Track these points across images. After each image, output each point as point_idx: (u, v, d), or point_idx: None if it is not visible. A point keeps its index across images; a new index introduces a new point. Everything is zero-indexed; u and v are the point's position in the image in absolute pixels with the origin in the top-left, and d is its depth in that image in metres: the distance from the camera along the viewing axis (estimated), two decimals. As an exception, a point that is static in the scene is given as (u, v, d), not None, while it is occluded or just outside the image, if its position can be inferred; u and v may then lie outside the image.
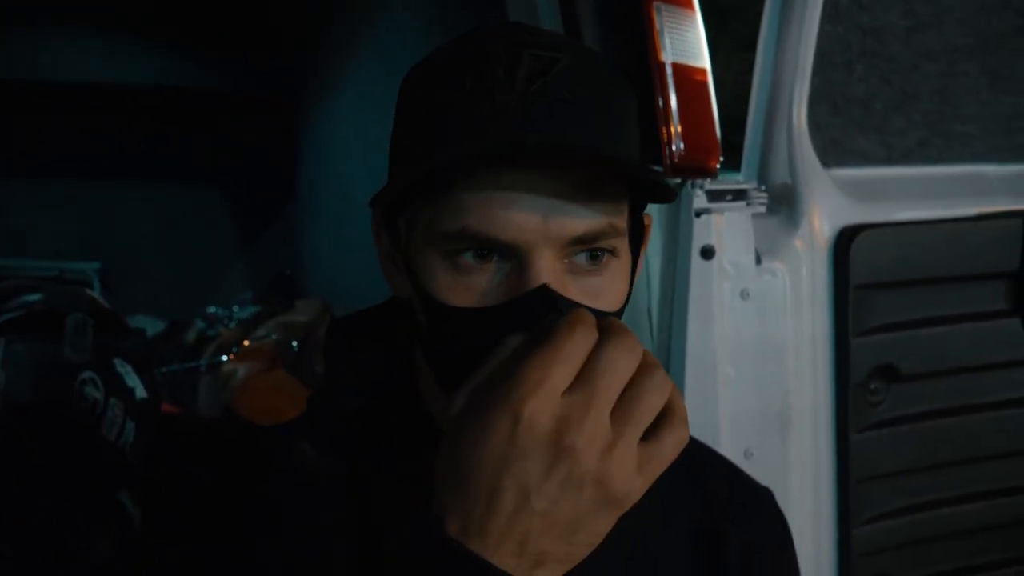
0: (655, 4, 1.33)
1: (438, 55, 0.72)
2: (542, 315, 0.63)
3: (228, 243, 4.35)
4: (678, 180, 1.38)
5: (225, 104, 4.09)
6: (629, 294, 0.72)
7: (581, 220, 0.65)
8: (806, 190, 1.45)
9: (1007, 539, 1.57)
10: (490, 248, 0.65)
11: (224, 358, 2.22)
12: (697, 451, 0.86)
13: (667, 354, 1.36)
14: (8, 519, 1.64)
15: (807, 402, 1.42)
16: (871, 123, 1.55)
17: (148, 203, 4.19)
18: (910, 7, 1.54)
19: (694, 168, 1.35)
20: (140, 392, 1.75)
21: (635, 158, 0.69)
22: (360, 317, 0.82)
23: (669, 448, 0.59)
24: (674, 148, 1.33)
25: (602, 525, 0.58)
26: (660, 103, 1.33)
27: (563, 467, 0.55)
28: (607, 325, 0.59)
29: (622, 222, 0.68)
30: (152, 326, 3.26)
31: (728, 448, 1.35)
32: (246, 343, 2.26)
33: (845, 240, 1.44)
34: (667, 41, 1.33)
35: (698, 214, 1.35)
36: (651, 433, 0.58)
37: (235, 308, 3.21)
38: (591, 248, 0.66)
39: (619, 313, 0.69)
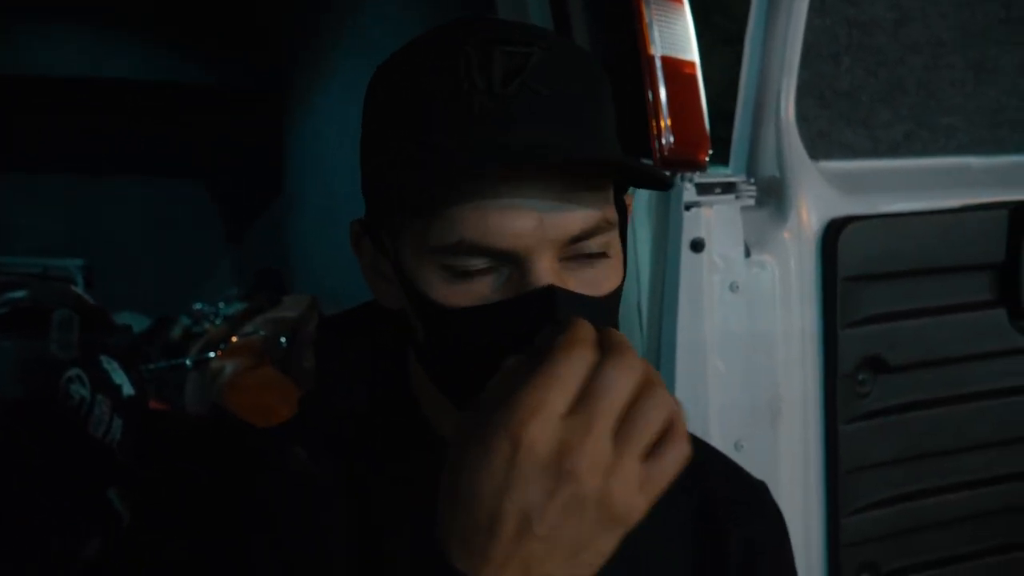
0: (644, -3, 1.33)
1: (408, 57, 0.70)
2: (547, 312, 0.64)
3: (214, 239, 4.33)
4: (667, 173, 1.38)
5: (211, 99, 4.07)
6: (624, 269, 0.72)
7: (576, 219, 0.65)
8: (794, 183, 1.46)
9: (993, 527, 1.58)
10: (488, 257, 0.65)
11: (212, 355, 2.21)
12: (695, 450, 0.86)
13: (657, 347, 1.37)
14: (-5, 518, 1.63)
15: (796, 394, 1.43)
16: (858, 116, 1.56)
17: (134, 199, 4.16)
18: (896, 0, 1.55)
19: (684, 161, 1.35)
20: (127, 389, 1.74)
21: (616, 144, 0.69)
22: (350, 315, 0.81)
23: (671, 465, 0.58)
24: (664, 141, 1.34)
25: (606, 545, 0.57)
26: (650, 96, 1.33)
27: (564, 491, 0.55)
28: (608, 342, 0.59)
29: (612, 212, 0.68)
30: (138, 323, 3.23)
31: (718, 440, 1.35)
32: (234, 339, 2.25)
33: (833, 232, 1.45)
34: (656, 34, 1.33)
35: (688, 207, 1.35)
36: (652, 450, 0.58)
37: (221, 304, 3.19)
38: (584, 250, 0.67)
39: (618, 292, 0.70)
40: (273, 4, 3.80)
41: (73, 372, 1.68)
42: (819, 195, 1.47)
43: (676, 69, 1.36)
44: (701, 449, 0.86)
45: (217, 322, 2.88)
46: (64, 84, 3.79)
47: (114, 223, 4.07)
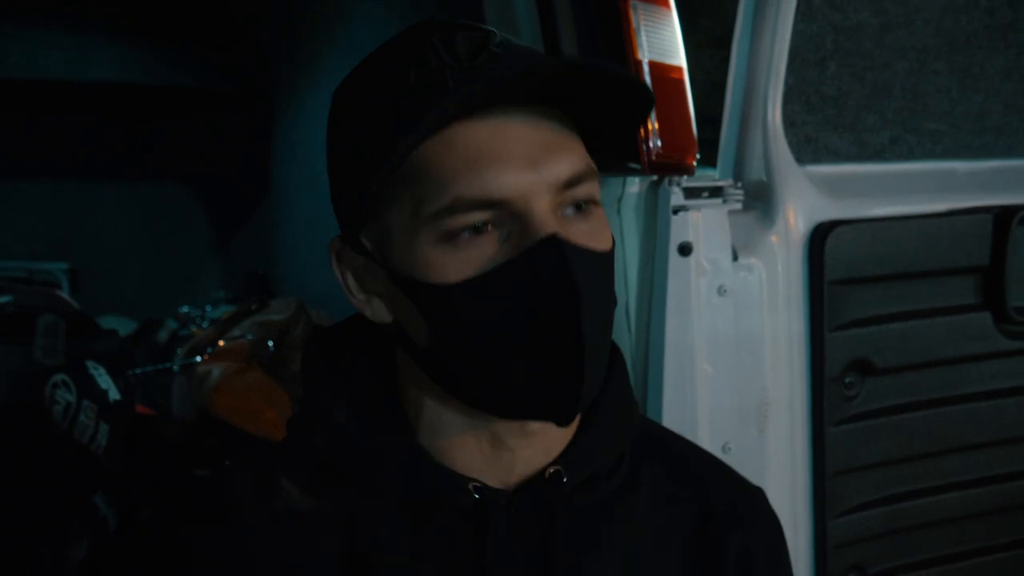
0: (632, 2, 1.34)
1: (372, 62, 0.71)
2: (560, 263, 0.63)
3: (200, 242, 4.30)
4: (654, 177, 1.39)
5: (197, 101, 4.05)
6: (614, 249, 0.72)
7: (566, 161, 0.66)
8: (781, 187, 1.46)
9: (980, 528, 1.59)
10: (486, 211, 0.64)
11: (198, 358, 2.20)
12: (685, 450, 0.86)
13: (645, 350, 1.37)
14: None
15: (783, 396, 1.44)
16: (844, 120, 1.57)
17: (119, 202, 4.14)
18: (881, 6, 1.56)
19: (671, 165, 1.36)
20: (113, 394, 1.73)
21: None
22: (337, 332, 0.79)
23: None
24: (651, 146, 1.34)
25: None
26: (637, 101, 1.34)
27: None
28: None
29: (593, 163, 0.69)
30: (123, 326, 3.21)
31: (706, 443, 1.36)
32: (221, 343, 2.24)
33: (820, 236, 1.45)
34: (644, 39, 1.34)
35: (675, 211, 1.35)
36: None
37: (208, 308, 3.18)
38: (577, 197, 0.67)
39: (612, 253, 0.70)
40: (259, 6, 3.79)
41: (59, 378, 1.67)
42: (806, 199, 1.48)
43: (663, 74, 1.37)
44: (698, 457, 0.86)
45: (204, 325, 2.87)
46: (48, 86, 3.77)
47: (99, 226, 4.05)
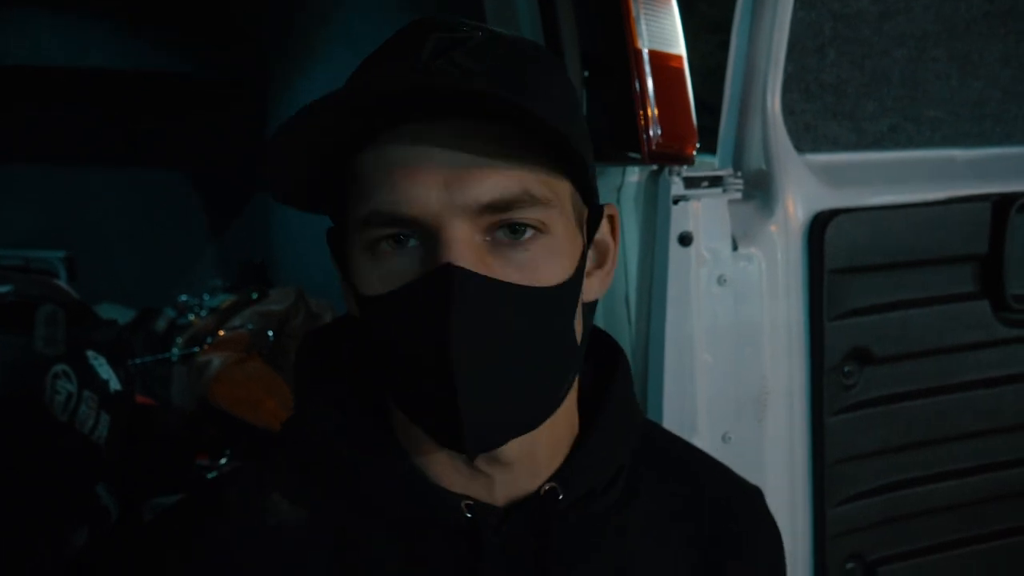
0: (631, -9, 1.33)
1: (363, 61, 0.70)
2: (442, 295, 0.60)
3: (197, 230, 4.29)
4: (654, 167, 1.38)
5: (193, 89, 4.03)
6: (575, 278, 0.67)
7: (488, 183, 0.62)
8: (781, 176, 1.46)
9: (978, 516, 1.60)
10: (399, 227, 0.63)
11: (198, 348, 2.20)
12: (688, 460, 0.84)
13: (645, 341, 1.37)
14: (-20, 514, 1.62)
15: (783, 386, 1.44)
16: (843, 108, 1.57)
17: (115, 190, 4.12)
18: (881, -8, 1.56)
19: (671, 155, 1.35)
20: (114, 384, 1.73)
21: (564, 136, 0.63)
22: (327, 335, 0.77)
23: None
24: (651, 135, 1.34)
25: None
26: (637, 90, 1.34)
27: None
28: None
29: (543, 191, 0.64)
30: (120, 315, 3.21)
31: (706, 432, 1.36)
32: (221, 333, 2.24)
33: (819, 225, 1.45)
34: (643, 28, 1.33)
35: (675, 201, 1.35)
36: None
37: (206, 296, 3.17)
38: (509, 220, 0.63)
39: (564, 288, 0.66)
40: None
41: (59, 368, 1.67)
42: (805, 188, 1.48)
43: (663, 63, 1.36)
44: (697, 462, 0.85)
45: (202, 314, 2.87)
46: (46, 73, 3.75)
47: (95, 214, 4.03)
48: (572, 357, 0.70)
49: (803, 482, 1.46)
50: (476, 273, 0.62)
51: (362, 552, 0.70)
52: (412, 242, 0.63)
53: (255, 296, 2.42)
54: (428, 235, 0.63)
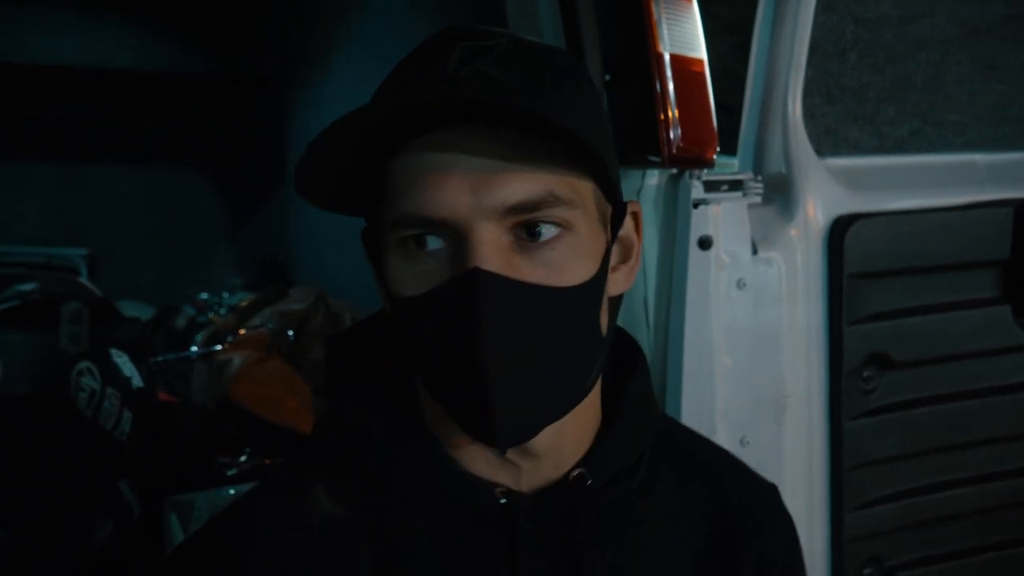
0: (653, -5, 1.33)
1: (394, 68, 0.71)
2: (470, 299, 0.62)
3: (216, 228, 4.32)
4: (674, 170, 1.39)
5: (212, 87, 4.06)
6: (600, 275, 0.68)
7: (515, 185, 0.64)
8: (801, 179, 1.46)
9: (997, 522, 1.60)
10: (427, 229, 0.64)
11: (219, 346, 2.21)
12: (705, 453, 0.86)
13: (664, 343, 1.38)
14: (6, 509, 1.65)
15: (801, 390, 1.44)
16: (864, 112, 1.56)
17: (134, 188, 4.16)
18: (902, -3, 1.55)
19: (692, 159, 1.36)
20: (137, 381, 1.75)
21: (590, 148, 0.65)
22: (358, 333, 0.80)
23: None
24: (671, 138, 1.34)
25: None
26: (658, 93, 1.34)
27: None
28: None
29: (567, 191, 0.66)
30: (139, 312, 3.24)
31: (724, 436, 1.37)
32: (242, 332, 2.26)
33: (839, 229, 1.45)
34: (665, 32, 1.34)
35: (695, 205, 1.36)
36: None
37: (225, 294, 3.20)
38: (534, 220, 0.65)
39: (589, 286, 0.67)
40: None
41: (83, 365, 1.69)
42: (825, 192, 1.47)
43: (685, 67, 1.36)
44: (714, 455, 0.86)
45: (222, 312, 2.89)
46: (67, 73, 3.78)
47: (114, 212, 4.07)
48: (598, 350, 0.72)
49: (821, 486, 1.46)
50: (504, 276, 0.64)
51: (400, 544, 0.72)
52: (441, 244, 0.65)
53: (275, 295, 2.44)
54: (457, 237, 0.65)
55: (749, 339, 1.40)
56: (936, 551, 1.55)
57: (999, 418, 1.58)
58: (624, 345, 0.82)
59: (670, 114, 1.35)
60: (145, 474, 1.76)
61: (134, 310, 3.18)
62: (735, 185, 1.40)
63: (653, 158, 1.36)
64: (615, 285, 0.74)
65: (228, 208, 4.35)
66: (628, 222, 0.75)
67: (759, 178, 1.42)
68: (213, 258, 4.24)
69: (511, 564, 0.72)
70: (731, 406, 1.39)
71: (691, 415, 1.34)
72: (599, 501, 0.75)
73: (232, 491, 1.64)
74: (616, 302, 0.75)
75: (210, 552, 0.73)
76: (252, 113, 4.13)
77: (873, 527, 1.49)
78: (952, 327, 1.53)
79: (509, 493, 0.73)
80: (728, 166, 1.53)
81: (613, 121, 1.34)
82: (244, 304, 2.48)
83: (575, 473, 0.74)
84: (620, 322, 0.79)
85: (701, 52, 1.40)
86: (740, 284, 1.40)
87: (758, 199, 1.42)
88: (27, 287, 1.75)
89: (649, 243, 1.40)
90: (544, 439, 0.70)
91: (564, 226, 0.66)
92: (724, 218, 1.38)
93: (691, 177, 1.36)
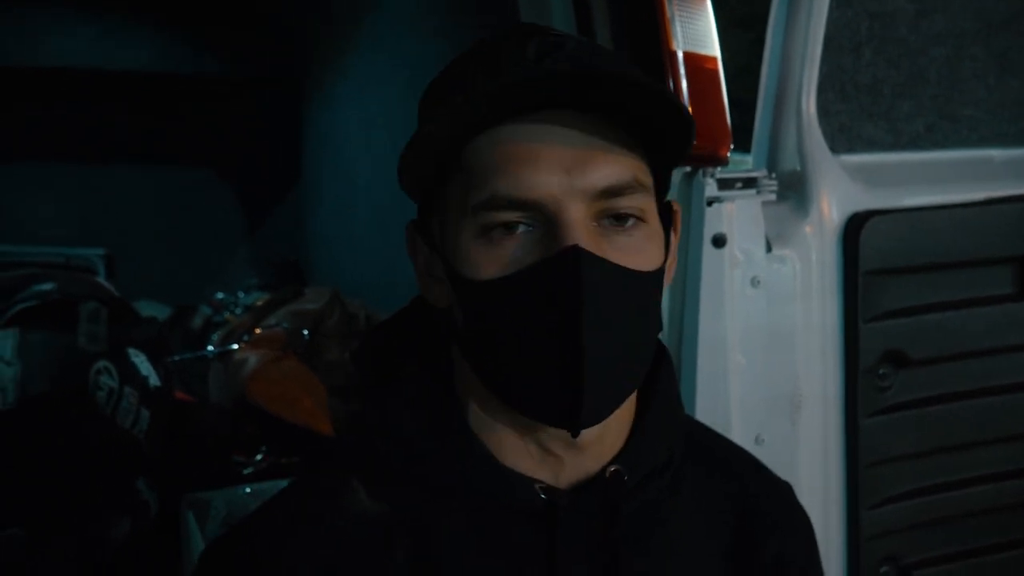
0: (666, -8, 1.33)
1: (455, 61, 0.74)
2: (570, 275, 0.64)
3: (232, 228, 4.35)
4: (688, 168, 1.38)
5: (228, 88, 4.08)
6: (664, 265, 0.71)
7: (606, 170, 0.66)
8: (815, 176, 1.46)
9: (1015, 521, 1.59)
10: (519, 211, 0.66)
11: (235, 346, 2.23)
12: (722, 450, 0.87)
13: (679, 341, 1.37)
14: (24, 505, 1.67)
15: (817, 388, 1.43)
16: (879, 109, 1.55)
17: (151, 189, 4.19)
18: (918, -8, 1.54)
19: (705, 157, 1.35)
20: (154, 380, 1.77)
21: (684, 110, 0.69)
22: (393, 327, 0.80)
23: None
24: (685, 136, 1.34)
25: None
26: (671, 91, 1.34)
27: None
28: None
29: (646, 178, 0.69)
30: (156, 312, 3.27)
31: (739, 434, 1.36)
32: (257, 331, 2.27)
33: (855, 226, 1.44)
34: (678, 30, 1.33)
35: (709, 203, 1.35)
36: None
37: (241, 294, 3.22)
38: (617, 206, 0.67)
39: (657, 275, 0.70)
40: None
41: (101, 364, 1.71)
42: (840, 189, 1.47)
43: (698, 65, 1.36)
44: (734, 454, 0.86)
45: (237, 311, 2.91)
46: (84, 75, 3.82)
47: (131, 213, 4.10)
48: (655, 339, 0.75)
49: (837, 484, 1.45)
50: (600, 256, 0.66)
51: (438, 538, 0.73)
52: (526, 228, 0.67)
53: (290, 295, 2.45)
54: (546, 219, 0.66)
55: (763, 337, 1.40)
56: (953, 549, 1.54)
57: (1017, 415, 1.57)
58: None
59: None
60: (162, 472, 1.78)
61: (151, 310, 3.20)
62: (749, 183, 1.39)
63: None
64: (666, 277, 0.76)
65: (244, 208, 4.37)
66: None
67: (773, 175, 1.42)
68: (229, 258, 4.27)
69: (550, 559, 0.72)
70: (746, 404, 1.38)
71: (705, 413, 1.34)
72: (634, 501, 0.76)
73: (248, 489, 1.65)
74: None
75: (249, 549, 0.73)
76: (267, 114, 4.15)
77: (889, 525, 1.49)
78: (969, 324, 1.52)
79: (548, 489, 0.74)
80: (744, 163, 1.52)
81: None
82: (260, 304, 2.49)
83: (612, 469, 0.75)
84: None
85: (715, 50, 1.39)
86: (754, 282, 1.39)
87: (772, 196, 1.41)
88: (46, 287, 1.77)
89: (662, 241, 1.40)
90: (594, 429, 0.71)
91: (640, 215, 0.69)
92: (738, 216, 1.38)
93: (705, 175, 1.36)
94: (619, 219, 0.68)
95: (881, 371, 1.48)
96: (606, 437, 0.75)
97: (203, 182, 4.27)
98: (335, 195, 3.76)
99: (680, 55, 1.34)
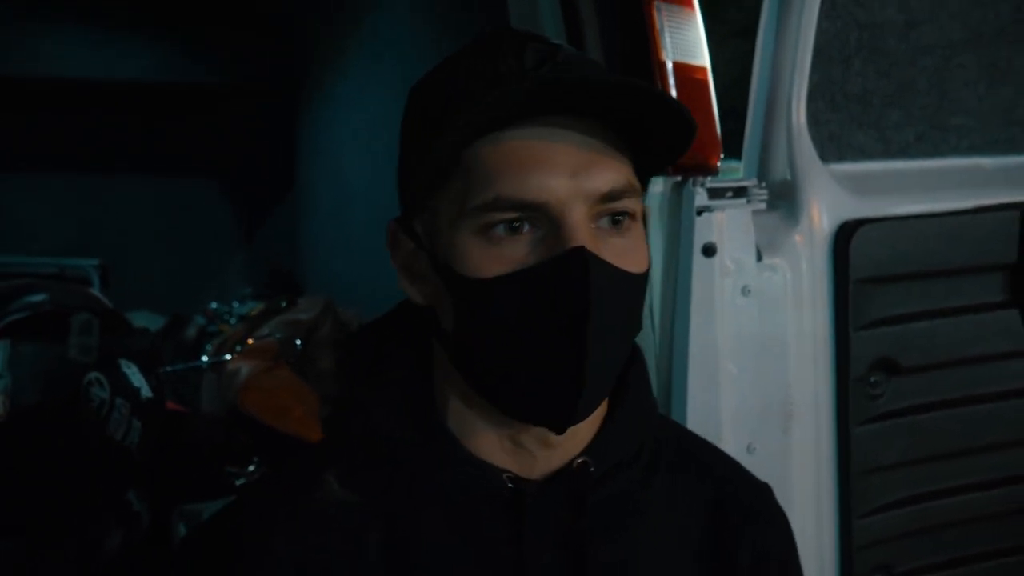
0: (655, 3, 1.34)
1: (446, 63, 0.74)
2: (578, 276, 0.65)
3: (226, 237, 4.35)
4: (678, 178, 1.39)
5: (222, 96, 4.09)
6: (649, 267, 0.74)
7: (608, 175, 0.68)
8: (806, 185, 1.46)
9: (1007, 529, 1.59)
10: (524, 212, 0.67)
11: (228, 356, 2.23)
12: (701, 452, 0.88)
13: (669, 351, 1.38)
14: (15, 517, 1.66)
15: (808, 396, 1.43)
16: (869, 118, 1.56)
17: (145, 198, 4.19)
18: (906, 3, 1.55)
19: (695, 166, 1.36)
20: (146, 391, 1.77)
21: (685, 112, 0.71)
22: (383, 323, 0.82)
23: None
24: (675, 146, 1.34)
25: None
26: (661, 102, 1.34)
27: None
28: None
29: (636, 181, 0.71)
30: (151, 322, 3.26)
31: (730, 443, 1.36)
32: (250, 341, 2.27)
33: (845, 235, 1.45)
34: (667, 40, 1.34)
35: (699, 212, 1.36)
36: None
37: (235, 304, 3.22)
38: (614, 209, 0.69)
39: (646, 277, 0.72)
40: (286, 1, 3.81)
41: (93, 375, 1.70)
42: (831, 198, 1.47)
43: (687, 75, 1.37)
44: (712, 454, 0.87)
45: (232, 321, 2.91)
46: (78, 84, 3.82)
47: (125, 222, 4.10)
48: (634, 338, 0.77)
49: (829, 493, 1.45)
50: (602, 258, 0.68)
51: (410, 528, 0.74)
52: (527, 228, 0.68)
53: (284, 305, 2.45)
54: (549, 220, 0.68)
55: (754, 346, 1.40)
56: (945, 557, 1.54)
57: (1008, 423, 1.57)
58: None
59: (673, 121, 1.35)
60: (154, 484, 1.77)
61: (145, 320, 3.20)
62: (739, 192, 1.40)
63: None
64: None
65: (240, 216, 4.37)
66: None
67: (763, 184, 1.42)
68: (225, 266, 4.27)
69: (516, 545, 0.73)
70: (737, 413, 1.38)
71: (697, 422, 1.34)
72: (602, 491, 0.77)
73: (241, 500, 1.64)
74: None
75: (232, 535, 0.74)
76: (263, 122, 4.16)
77: (882, 534, 1.49)
78: (960, 332, 1.52)
79: (517, 479, 0.75)
80: (737, 170, 1.53)
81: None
82: (253, 314, 2.49)
83: (579, 461, 0.76)
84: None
85: (704, 60, 1.40)
86: (745, 291, 1.39)
87: (762, 205, 1.42)
88: (37, 298, 1.77)
89: (654, 250, 1.40)
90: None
91: (633, 217, 0.71)
92: (728, 225, 1.38)
93: (695, 184, 1.36)
94: (615, 221, 0.70)
95: (872, 379, 1.48)
96: (578, 432, 0.76)
97: (200, 190, 4.28)
98: (329, 202, 3.77)
99: (670, 65, 1.34)
